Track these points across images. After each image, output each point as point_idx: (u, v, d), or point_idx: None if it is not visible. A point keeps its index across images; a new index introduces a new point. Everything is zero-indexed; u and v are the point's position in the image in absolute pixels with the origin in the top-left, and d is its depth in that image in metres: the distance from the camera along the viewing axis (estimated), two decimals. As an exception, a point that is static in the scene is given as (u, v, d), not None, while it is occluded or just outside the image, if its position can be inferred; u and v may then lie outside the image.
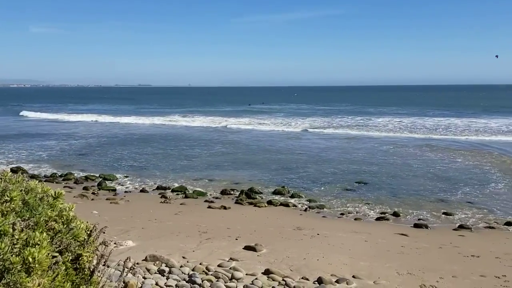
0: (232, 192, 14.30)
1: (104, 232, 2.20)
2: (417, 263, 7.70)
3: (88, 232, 2.12)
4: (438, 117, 45.32)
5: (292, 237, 9.32)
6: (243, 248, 8.08)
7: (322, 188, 14.81)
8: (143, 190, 14.68)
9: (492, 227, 10.72)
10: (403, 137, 29.43)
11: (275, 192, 14.31)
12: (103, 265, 2.29)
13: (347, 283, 6.40)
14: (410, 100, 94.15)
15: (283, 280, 6.26)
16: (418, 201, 13.22)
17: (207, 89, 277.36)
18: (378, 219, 11.58)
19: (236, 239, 8.85)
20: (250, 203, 12.99)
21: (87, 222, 2.19)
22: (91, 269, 2.07)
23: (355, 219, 11.62)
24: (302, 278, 6.56)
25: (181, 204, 12.78)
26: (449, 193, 14.12)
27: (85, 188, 14.74)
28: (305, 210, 12.46)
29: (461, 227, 10.62)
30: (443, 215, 11.77)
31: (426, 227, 10.70)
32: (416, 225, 10.81)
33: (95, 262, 2.14)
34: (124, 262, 4.47)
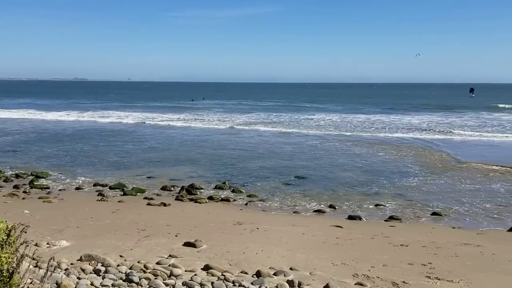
0: (172, 189, 14.16)
1: (25, 232, 2.13)
2: (351, 253, 8.06)
3: (8, 232, 2.05)
4: (371, 114, 47.33)
5: (232, 232, 9.41)
6: (182, 245, 8.06)
7: (262, 183, 15.04)
8: (78, 188, 14.19)
9: (420, 218, 11.41)
10: (334, 134, 29.96)
11: (216, 188, 14.36)
12: (35, 266, 2.23)
13: (284, 275, 6.58)
14: (349, 97, 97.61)
15: (222, 275, 6.32)
16: (352, 194, 13.79)
17: (148, 84, 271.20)
18: (315, 211, 11.94)
19: (176, 235, 8.81)
20: (191, 199, 12.95)
21: (6, 221, 2.11)
22: (10, 271, 2.01)
23: (294, 212, 11.91)
24: (241, 272, 6.66)
25: (119, 201, 12.48)
26: (379, 186, 14.84)
27: (15, 187, 14.00)
28: (246, 204, 12.61)
29: (391, 218, 11.21)
30: (375, 207, 12.36)
31: (360, 218, 11.20)
32: (350, 217, 11.28)
33: (16, 263, 2.08)
34: (49, 262, 4.34)
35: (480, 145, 25.35)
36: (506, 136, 29.11)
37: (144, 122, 37.32)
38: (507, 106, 57.40)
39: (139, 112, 48.32)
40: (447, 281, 6.78)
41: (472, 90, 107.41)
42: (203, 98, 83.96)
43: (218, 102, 73.82)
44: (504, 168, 18.01)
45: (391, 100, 79.30)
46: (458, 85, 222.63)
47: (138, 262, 6.63)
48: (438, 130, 32.64)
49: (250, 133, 30.33)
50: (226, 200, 13.02)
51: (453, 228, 10.54)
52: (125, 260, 6.78)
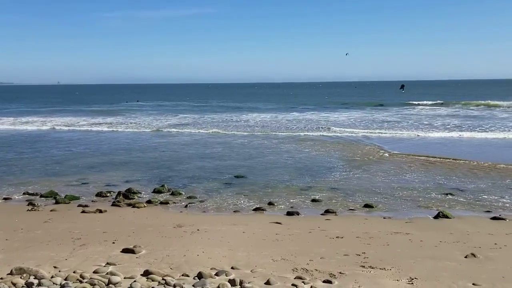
0: (108, 194, 13.74)
1: None
2: (290, 248, 8.28)
3: None
4: (303, 112, 48.73)
5: (172, 235, 9.33)
6: (120, 251, 7.89)
7: (201, 184, 14.99)
8: (6, 198, 13.39)
9: (353, 210, 11.91)
10: (265, 133, 30.21)
11: (155, 191, 14.12)
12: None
13: (226, 275, 6.65)
14: (286, 96, 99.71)
15: (163, 279, 6.28)
16: (289, 190, 14.11)
17: (78, 87, 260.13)
18: (255, 210, 12.10)
19: (113, 242, 8.60)
20: (129, 204, 12.64)
21: None
22: None
23: (234, 211, 12.00)
24: (183, 275, 6.65)
25: (51, 210, 11.93)
26: (314, 181, 15.32)
27: None
28: (186, 206, 12.52)
29: (327, 211, 11.62)
30: (311, 202, 12.74)
31: (298, 214, 11.51)
32: (289, 213, 11.56)
33: None
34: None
35: (404, 139, 26.83)
36: (428, 130, 30.98)
37: (73, 127, 35.67)
38: (429, 102, 60.97)
39: (68, 116, 46.15)
40: (380, 269, 7.17)
41: (402, 87, 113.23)
42: (138, 101, 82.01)
43: (152, 104, 72.49)
44: (426, 158, 19.21)
45: (325, 98, 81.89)
46: (391, 83, 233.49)
47: (74, 272, 6.42)
48: (364, 125, 34.22)
49: (184, 134, 30.08)
50: (165, 203, 12.85)
51: (384, 218, 11.11)
52: (59, 271, 6.54)
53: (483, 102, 54.71)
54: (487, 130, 29.99)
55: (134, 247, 8.03)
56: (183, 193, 13.91)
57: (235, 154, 21.36)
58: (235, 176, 16.06)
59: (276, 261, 7.47)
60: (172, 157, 20.55)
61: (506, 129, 30.40)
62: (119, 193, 13.52)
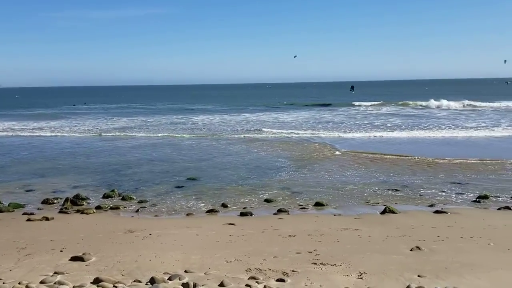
0: (55, 201, 13.25)
1: None
2: (244, 249, 8.35)
3: None
4: (253, 113, 49.19)
5: (123, 241, 9.15)
6: (69, 260, 7.66)
7: (153, 188, 14.77)
8: None
9: (305, 208, 12.15)
10: (214, 135, 30.13)
11: (105, 196, 13.76)
12: None
13: (179, 279, 6.61)
14: (235, 97, 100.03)
15: (114, 286, 6.16)
16: (242, 191, 14.17)
17: (21, 90, 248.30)
18: (208, 212, 12.07)
19: (61, 250, 8.33)
20: (77, 211, 12.24)
21: None
22: None
23: (187, 214, 11.91)
24: (135, 281, 6.55)
25: (-7, 220, 11.35)
26: (266, 181, 15.52)
27: None
28: (137, 211, 12.29)
29: (279, 211, 11.79)
30: (264, 202, 12.88)
31: (251, 214, 11.60)
32: (242, 214, 11.62)
33: None
34: None
35: (349, 139, 27.65)
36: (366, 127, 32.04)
37: (13, 132, 33.96)
38: (376, 102, 62.61)
39: (7, 121, 43.87)
40: (331, 265, 7.37)
41: (352, 88, 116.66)
42: (85, 103, 79.56)
43: (99, 106, 70.46)
44: (373, 155, 19.91)
45: (275, 99, 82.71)
46: (341, 83, 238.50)
47: (19, 283, 6.17)
48: (311, 125, 35.05)
49: (132, 138, 29.47)
50: (116, 208, 12.56)
51: (334, 215, 11.42)
52: (3, 283, 6.26)
53: (422, 102, 56.83)
54: (425, 128, 31.41)
55: (83, 254, 7.81)
56: (134, 197, 13.64)
57: (185, 156, 21.18)
58: (187, 179, 15.94)
59: (230, 262, 7.51)
60: (120, 161, 20.09)
61: (444, 127, 32.01)
62: (66, 200, 13.08)
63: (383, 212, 11.46)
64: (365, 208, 12.20)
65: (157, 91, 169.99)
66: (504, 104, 51.51)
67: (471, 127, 31.38)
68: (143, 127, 36.25)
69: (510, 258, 7.53)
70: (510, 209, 11.58)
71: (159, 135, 30.71)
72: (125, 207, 12.66)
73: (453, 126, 32.31)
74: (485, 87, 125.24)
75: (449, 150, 22.15)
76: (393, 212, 11.39)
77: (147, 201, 13.16)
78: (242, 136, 29.13)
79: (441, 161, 18.53)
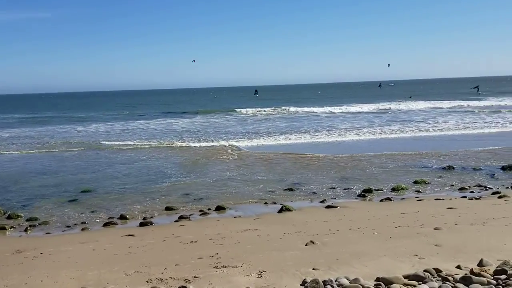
0: None
1: None
2: (144, 260, 8.20)
3: None
4: (148, 120, 48.51)
5: (10, 263, 8.47)
6: None
7: (44, 203, 13.81)
8: None
9: (206, 213, 12.26)
10: (114, 144, 28.95)
11: (-14, 217, 12.56)
12: None
13: (75, 297, 6.32)
14: (126, 105, 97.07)
15: (1, 313, 5.70)
16: (141, 200, 13.89)
17: None
18: (105, 224, 11.62)
19: None
20: (-47, 235, 11.03)
21: None
22: None
23: (82, 229, 11.35)
24: (25, 305, 6.13)
25: None
26: (165, 187, 15.38)
27: None
28: (26, 230, 11.41)
29: (181, 217, 11.75)
30: (165, 210, 12.74)
31: (151, 223, 11.41)
32: (142, 224, 11.38)
33: None
34: None
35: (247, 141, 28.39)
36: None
37: None
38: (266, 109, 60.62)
39: None
40: (232, 267, 7.55)
41: (256, 92, 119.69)
42: None
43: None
44: (274, 154, 20.71)
45: (171, 106, 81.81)
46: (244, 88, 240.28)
47: None
48: (205, 130, 35.33)
49: (8, 149, 27.24)
50: (1, 228, 11.54)
51: (234, 217, 11.69)
52: None
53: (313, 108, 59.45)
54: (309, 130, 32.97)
55: (-37, 283, 7.10)
56: (22, 215, 12.63)
57: (75, 168, 20.01)
58: (80, 192, 15.15)
59: (130, 275, 7.34)
60: (6, 176, 18.46)
61: (327, 128, 33.75)
62: None
63: (280, 211, 11.99)
64: (263, 208, 12.65)
65: (48, 99, 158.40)
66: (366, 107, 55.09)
67: (344, 128, 33.50)
68: (23, 138, 33.33)
69: (391, 245, 8.32)
70: (390, 200, 12.82)
71: (42, 146, 28.67)
72: (12, 227, 11.67)
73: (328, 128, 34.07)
74: (359, 91, 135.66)
75: (335, 148, 23.78)
76: (289, 210, 11.96)
77: (38, 218, 12.27)
78: (132, 143, 28.21)
79: (330, 157, 19.81)
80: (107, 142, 28.69)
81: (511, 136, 25.88)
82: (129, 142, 28.37)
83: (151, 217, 12.14)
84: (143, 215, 12.36)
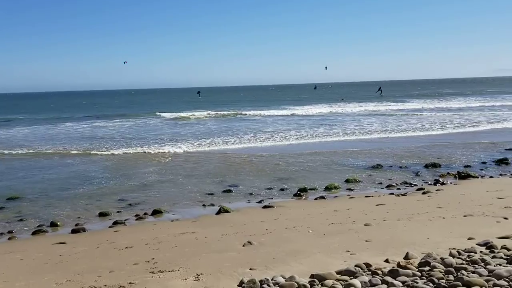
0: None
1: None
2: (76, 268, 7.92)
3: None
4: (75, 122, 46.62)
5: None
6: None
7: (-37, 213, 12.89)
8: None
9: (142, 218, 12.03)
10: (38, 149, 27.99)
11: None
12: None
13: (1, 311, 5.99)
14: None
15: None
16: (72, 206, 13.37)
17: None
18: (34, 233, 11.06)
19: None
20: None
21: None
22: None
23: (9, 238, 10.75)
24: None
25: None
26: (100, 193, 14.89)
27: None
28: None
29: (115, 223, 11.45)
30: (98, 216, 12.34)
31: (84, 230, 11.01)
32: (74, 231, 10.96)
33: None
34: None
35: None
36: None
37: None
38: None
39: None
40: (169, 271, 7.49)
41: (199, 93, 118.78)
42: None
43: None
44: (208, 155, 20.67)
45: (94, 107, 78.99)
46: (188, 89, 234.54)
47: None
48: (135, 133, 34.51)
49: None
50: None
51: (172, 221, 11.57)
52: None
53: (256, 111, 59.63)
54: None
55: None
56: None
57: (18, 173, 18.95)
58: (6, 199, 14.28)
59: (61, 285, 7.06)
60: None
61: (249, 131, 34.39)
62: None
63: (218, 213, 12.03)
64: (201, 210, 12.63)
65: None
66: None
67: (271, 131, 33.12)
68: None
69: (325, 242, 8.64)
70: (324, 198, 13.28)
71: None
72: None
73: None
74: (294, 92, 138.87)
75: (269, 149, 24.23)
76: (227, 211, 12.03)
77: (-43, 230, 11.45)
78: (56, 147, 26.87)
79: (253, 157, 20.15)
80: (27, 147, 27.08)
81: (432, 137, 27.59)
82: (50, 146, 26.98)
83: (84, 223, 11.72)
84: (75, 221, 11.90)
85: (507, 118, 36.01)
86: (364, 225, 9.67)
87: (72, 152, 24.48)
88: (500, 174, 15.79)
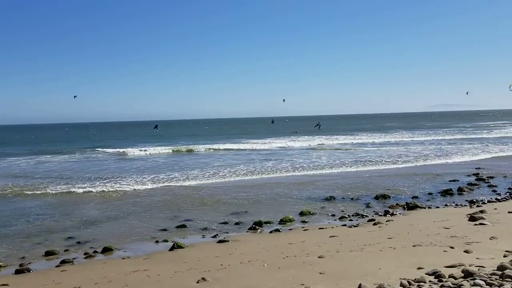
0: None
1: None
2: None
3: None
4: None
5: None
6: None
7: None
8: None
9: (92, 256, 11.57)
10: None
11: None
12: None
13: None
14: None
15: None
16: (15, 244, 12.70)
17: None
18: (-27, 276, 10.37)
19: None
20: None
21: None
22: None
23: None
24: None
25: None
26: (43, 232, 14.28)
27: None
28: None
29: (63, 262, 10.94)
30: (44, 255, 11.72)
31: (29, 270, 10.44)
32: (18, 271, 10.36)
33: None
34: None
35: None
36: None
37: None
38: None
39: None
40: (120, 311, 7.22)
41: (156, 127, 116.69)
42: None
43: None
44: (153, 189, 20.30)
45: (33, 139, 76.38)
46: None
47: None
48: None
49: None
50: None
51: (123, 258, 11.18)
52: None
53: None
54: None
55: None
56: None
57: None
58: None
59: (2, 331, 6.63)
60: None
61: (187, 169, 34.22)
62: None
63: (171, 249, 11.77)
64: (154, 246, 12.33)
65: None
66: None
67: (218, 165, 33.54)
68: None
69: (280, 276, 8.64)
70: (279, 231, 13.34)
71: None
72: None
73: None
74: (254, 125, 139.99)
75: (223, 184, 24.21)
76: (181, 247, 11.80)
77: None
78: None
79: (220, 199, 20.06)
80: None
81: (380, 170, 28.50)
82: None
83: (29, 263, 11.12)
84: (20, 261, 11.27)
85: (450, 151, 37.94)
86: (318, 257, 9.77)
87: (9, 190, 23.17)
88: (446, 205, 16.51)
